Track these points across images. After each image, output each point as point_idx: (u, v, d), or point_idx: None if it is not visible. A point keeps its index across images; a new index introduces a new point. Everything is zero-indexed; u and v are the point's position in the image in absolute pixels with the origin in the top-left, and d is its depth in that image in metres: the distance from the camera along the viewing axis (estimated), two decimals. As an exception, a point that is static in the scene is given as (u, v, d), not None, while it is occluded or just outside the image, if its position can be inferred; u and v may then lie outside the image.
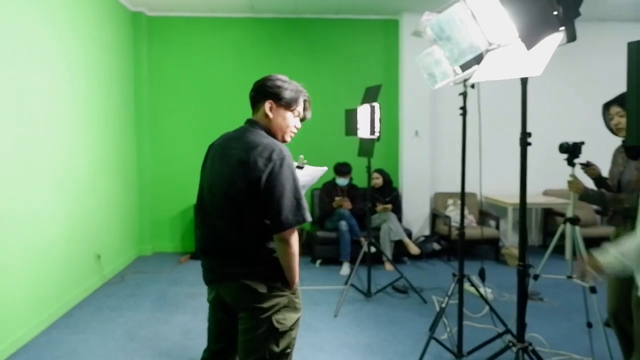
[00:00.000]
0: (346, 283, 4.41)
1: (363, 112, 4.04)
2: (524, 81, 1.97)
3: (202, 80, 5.89)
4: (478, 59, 2.27)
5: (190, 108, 5.91)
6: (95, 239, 4.46)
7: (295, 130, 1.93)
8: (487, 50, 2.22)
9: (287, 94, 1.86)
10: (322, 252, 5.40)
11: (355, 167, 5.58)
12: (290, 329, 1.78)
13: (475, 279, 3.33)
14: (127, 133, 5.43)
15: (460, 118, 2.93)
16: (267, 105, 1.85)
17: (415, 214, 6.02)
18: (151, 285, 4.60)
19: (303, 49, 5.97)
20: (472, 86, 2.79)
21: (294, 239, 1.69)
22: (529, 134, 1.98)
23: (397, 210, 5.57)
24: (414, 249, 5.26)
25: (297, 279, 1.77)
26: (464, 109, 2.93)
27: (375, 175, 5.56)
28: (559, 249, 3.31)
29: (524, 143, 1.98)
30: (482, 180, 4.78)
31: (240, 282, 1.72)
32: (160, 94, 5.82)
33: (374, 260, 4.68)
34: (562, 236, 2.96)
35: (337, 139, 5.58)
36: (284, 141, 1.88)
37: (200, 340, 3.23)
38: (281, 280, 1.74)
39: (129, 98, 5.51)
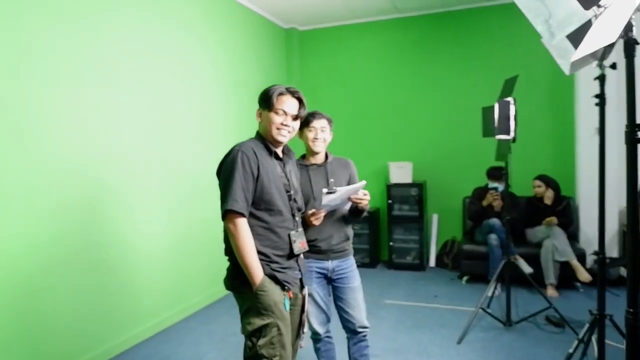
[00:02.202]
0: (488, 306, 3.86)
1: (499, 109, 3.45)
2: (630, 51, 1.37)
3: (352, 86, 5.93)
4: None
5: (341, 116, 5.97)
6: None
7: (283, 127, 1.91)
8: (596, 16, 1.67)
9: (266, 96, 1.93)
10: (468, 267, 4.83)
11: (514, 173, 4.85)
12: (254, 336, 1.75)
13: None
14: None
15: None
16: (257, 113, 1.99)
17: (597, 231, 4.88)
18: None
19: (453, 44, 5.49)
20: (613, 66, 2.11)
21: (235, 229, 1.73)
22: (641, 127, 1.37)
23: (567, 224, 4.61)
24: (584, 275, 4.26)
25: (255, 278, 1.75)
26: (601, 96, 2.22)
27: (537, 182, 4.73)
28: None
29: (632, 139, 1.38)
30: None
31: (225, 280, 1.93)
32: (312, 105, 6.04)
33: (521, 282, 3.92)
34: None
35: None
36: (277, 141, 1.93)
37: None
38: (240, 279, 1.78)
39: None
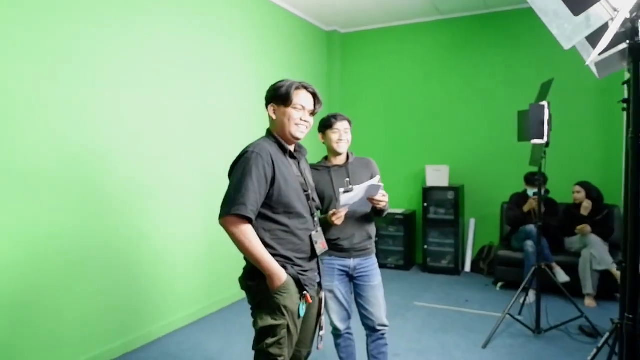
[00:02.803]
0: (520, 313, 3.81)
1: (532, 113, 3.40)
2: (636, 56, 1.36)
3: (391, 88, 5.96)
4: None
5: (379, 118, 6.03)
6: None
7: (302, 123, 1.88)
8: (612, 19, 1.67)
9: (282, 91, 1.87)
10: (503, 274, 4.74)
11: (556, 179, 4.74)
12: (263, 332, 1.75)
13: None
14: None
15: None
16: (270, 109, 1.92)
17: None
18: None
19: (494, 46, 5.40)
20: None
21: (242, 234, 1.69)
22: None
23: (608, 233, 4.43)
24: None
25: (277, 279, 1.71)
26: (628, 101, 2.17)
27: (577, 188, 4.57)
28: None
29: (637, 145, 1.37)
30: None
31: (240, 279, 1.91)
32: (352, 108, 6.13)
33: (558, 290, 3.80)
34: None
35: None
36: (295, 138, 1.89)
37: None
38: (254, 277, 1.78)
39: (322, 114, 6.01)
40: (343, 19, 5.71)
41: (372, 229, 2.56)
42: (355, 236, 2.46)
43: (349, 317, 2.56)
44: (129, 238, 3.31)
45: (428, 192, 5.44)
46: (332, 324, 2.54)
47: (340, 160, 2.52)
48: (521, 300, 3.95)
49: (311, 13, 5.47)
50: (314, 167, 2.45)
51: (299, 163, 1.97)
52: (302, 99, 1.88)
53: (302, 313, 1.82)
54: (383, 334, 2.55)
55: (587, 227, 4.33)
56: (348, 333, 2.60)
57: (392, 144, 5.92)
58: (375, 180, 2.26)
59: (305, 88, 1.91)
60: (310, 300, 1.84)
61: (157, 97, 3.52)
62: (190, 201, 3.86)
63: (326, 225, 2.30)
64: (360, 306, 2.53)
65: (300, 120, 1.87)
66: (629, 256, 1.37)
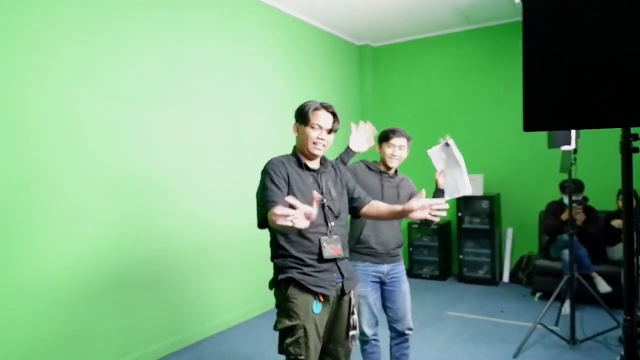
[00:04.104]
0: (556, 323, 3.72)
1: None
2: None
3: (424, 99, 5.99)
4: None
5: (413, 129, 5.99)
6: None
7: (319, 141, 2.00)
8: None
9: (303, 111, 2.03)
10: (541, 284, 4.62)
11: (594, 186, 4.61)
12: (283, 334, 1.92)
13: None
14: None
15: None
16: (294, 127, 2.10)
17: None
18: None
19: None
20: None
21: (274, 223, 1.63)
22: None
23: (652, 241, 4.23)
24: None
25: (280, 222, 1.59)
26: None
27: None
28: None
29: (627, 149, 1.38)
30: None
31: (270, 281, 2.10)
32: (385, 120, 6.18)
33: (591, 301, 3.68)
34: None
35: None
36: (313, 154, 2.03)
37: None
38: (277, 281, 1.96)
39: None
40: (374, 33, 5.83)
41: (401, 236, 2.69)
42: (390, 242, 2.58)
43: (377, 324, 2.63)
44: (177, 250, 3.55)
45: (462, 202, 5.40)
46: (360, 329, 2.59)
47: (390, 172, 2.66)
48: (565, 312, 3.86)
49: (343, 29, 5.62)
50: (368, 165, 2.65)
51: (318, 175, 2.08)
52: (319, 118, 2.01)
53: (316, 310, 1.93)
54: (407, 338, 2.64)
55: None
56: (375, 339, 2.66)
57: (425, 154, 5.92)
58: (467, 183, 2.57)
59: (325, 108, 2.04)
60: (323, 299, 1.95)
61: (194, 118, 3.77)
62: (234, 211, 4.10)
63: (374, 227, 2.55)
64: (389, 310, 2.61)
65: (317, 138, 2.00)
66: (625, 257, 1.38)
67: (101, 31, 3.09)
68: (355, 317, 2.07)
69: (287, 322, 1.92)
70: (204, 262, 3.86)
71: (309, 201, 1.92)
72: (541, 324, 3.43)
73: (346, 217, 2.17)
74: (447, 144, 2.62)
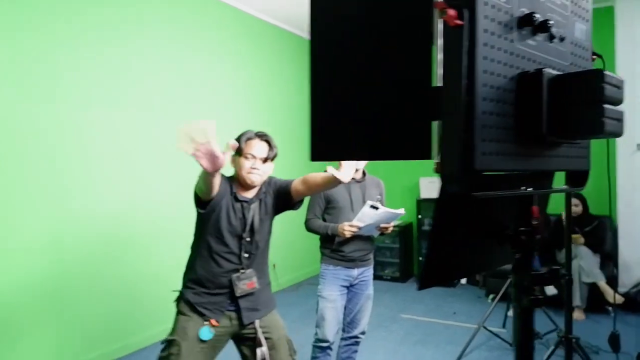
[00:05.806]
0: (503, 325, 3.82)
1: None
2: None
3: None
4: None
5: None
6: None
7: (253, 171, 1.98)
8: None
9: (238, 141, 1.99)
10: (495, 285, 4.73)
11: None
12: (163, 343, 1.96)
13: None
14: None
15: None
16: (230, 159, 2.02)
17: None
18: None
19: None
20: None
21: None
22: None
23: (597, 245, 4.39)
24: (613, 297, 4.03)
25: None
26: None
27: (575, 202, 4.53)
28: None
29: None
30: None
31: None
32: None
33: (547, 303, 3.82)
34: None
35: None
36: (248, 184, 2.00)
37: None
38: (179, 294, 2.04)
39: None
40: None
41: (373, 243, 2.75)
42: (363, 248, 2.64)
43: (339, 330, 2.66)
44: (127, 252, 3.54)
45: (422, 204, 5.50)
46: (321, 336, 2.58)
47: (357, 175, 2.66)
48: (505, 313, 3.97)
49: (303, 27, 5.64)
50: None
51: (247, 205, 2.02)
52: (252, 148, 1.99)
53: (204, 337, 1.89)
54: (358, 341, 2.69)
55: (581, 238, 4.30)
56: (330, 348, 2.62)
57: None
58: (400, 211, 2.45)
59: (260, 137, 2.02)
60: (217, 324, 1.93)
61: (142, 119, 3.76)
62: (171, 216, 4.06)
63: (332, 236, 2.53)
64: (347, 311, 2.66)
65: (251, 168, 1.97)
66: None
67: (31, 26, 2.95)
68: (264, 349, 1.97)
69: (169, 336, 1.93)
70: (148, 267, 3.81)
71: (231, 226, 1.96)
72: (484, 327, 3.53)
73: (267, 243, 2.12)
74: (374, 207, 2.46)
